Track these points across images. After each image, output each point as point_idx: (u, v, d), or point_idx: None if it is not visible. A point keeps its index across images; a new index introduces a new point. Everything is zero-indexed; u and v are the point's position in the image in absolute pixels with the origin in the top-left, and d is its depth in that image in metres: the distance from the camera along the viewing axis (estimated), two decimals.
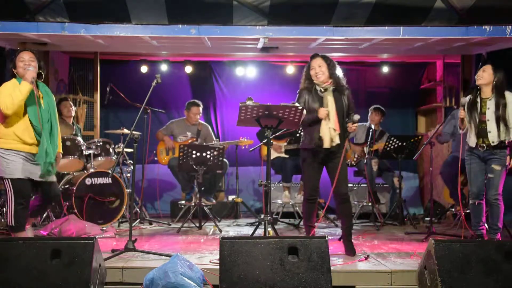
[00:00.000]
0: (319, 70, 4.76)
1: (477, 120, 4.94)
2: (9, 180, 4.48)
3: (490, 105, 4.90)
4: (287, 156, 7.12)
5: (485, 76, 4.91)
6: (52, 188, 4.76)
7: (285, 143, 7.12)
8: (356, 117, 4.69)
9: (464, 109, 4.97)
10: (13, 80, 4.53)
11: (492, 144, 4.88)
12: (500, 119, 4.83)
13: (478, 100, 4.98)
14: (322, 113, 4.69)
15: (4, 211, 6.06)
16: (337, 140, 4.70)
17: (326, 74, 4.76)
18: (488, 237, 5.02)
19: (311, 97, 4.80)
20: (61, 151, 4.92)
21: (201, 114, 7.38)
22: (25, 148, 4.51)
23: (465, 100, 5.01)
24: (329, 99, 4.74)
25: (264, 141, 6.66)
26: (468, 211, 5.97)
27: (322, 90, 4.78)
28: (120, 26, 5.68)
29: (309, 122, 4.78)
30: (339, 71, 4.83)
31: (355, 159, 7.19)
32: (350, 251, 4.79)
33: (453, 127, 6.50)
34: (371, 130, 6.82)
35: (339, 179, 4.75)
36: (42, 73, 4.69)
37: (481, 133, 4.94)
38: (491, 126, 4.87)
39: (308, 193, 4.87)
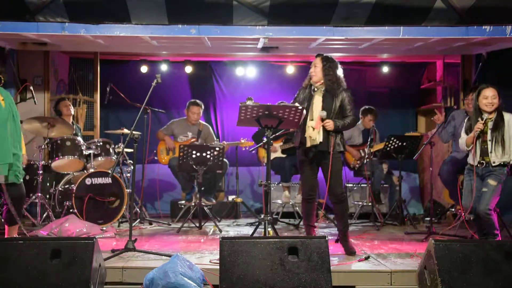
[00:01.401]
0: (313, 70, 4.84)
1: (479, 139, 4.93)
2: None
3: (491, 126, 4.90)
4: (284, 155, 7.12)
5: (495, 102, 4.88)
6: (12, 189, 4.67)
7: (281, 143, 7.12)
8: (322, 113, 4.72)
9: (483, 125, 4.91)
10: None
11: (493, 164, 4.88)
12: (499, 140, 4.84)
13: (480, 119, 4.95)
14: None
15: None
16: (318, 139, 4.71)
17: (318, 76, 4.81)
18: None
19: (304, 95, 4.90)
20: (25, 152, 4.89)
21: (201, 114, 7.37)
22: None
23: (486, 116, 4.95)
24: (316, 99, 4.80)
25: (261, 144, 6.69)
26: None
27: (315, 90, 4.84)
28: (120, 26, 5.68)
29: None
30: (337, 74, 4.82)
31: (358, 162, 7.17)
32: (349, 250, 4.80)
33: (453, 128, 6.50)
34: (371, 130, 6.82)
35: (332, 179, 4.76)
36: (2, 77, 4.69)
37: (483, 152, 4.93)
38: (492, 147, 4.87)
39: (305, 192, 4.91)
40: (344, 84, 4.88)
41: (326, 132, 4.75)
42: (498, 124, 4.86)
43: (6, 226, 4.73)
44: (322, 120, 4.72)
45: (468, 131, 5.01)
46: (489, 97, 4.89)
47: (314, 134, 4.73)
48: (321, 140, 4.72)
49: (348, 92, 4.85)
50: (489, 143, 4.89)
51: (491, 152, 4.87)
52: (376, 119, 7.31)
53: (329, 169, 4.71)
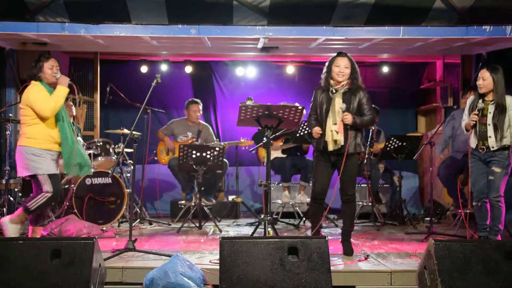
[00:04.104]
0: (344, 70, 4.68)
1: (478, 121, 4.93)
2: (46, 175, 4.68)
3: (491, 109, 4.88)
4: (285, 155, 7.12)
5: (486, 84, 4.87)
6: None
7: (281, 143, 7.12)
8: (342, 105, 4.64)
9: (478, 115, 4.92)
10: (39, 85, 4.73)
11: (492, 149, 4.88)
12: (498, 125, 4.83)
13: (481, 101, 4.95)
14: (314, 133, 4.75)
15: (4, 211, 6.07)
16: (341, 142, 4.65)
17: (346, 77, 4.69)
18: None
19: (322, 97, 4.77)
20: None
21: (201, 112, 7.38)
22: (55, 147, 4.77)
23: (481, 105, 4.95)
24: (337, 101, 4.67)
25: (261, 144, 6.68)
26: (468, 211, 5.98)
27: (334, 91, 4.72)
28: (120, 26, 5.68)
29: (309, 129, 4.80)
30: (359, 73, 4.76)
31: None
32: (348, 251, 4.80)
33: (451, 129, 6.50)
34: (371, 131, 6.81)
35: (345, 178, 4.74)
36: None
37: (482, 135, 4.93)
38: (491, 131, 4.86)
39: (316, 193, 4.82)
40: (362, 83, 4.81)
41: (346, 134, 4.67)
42: (499, 108, 4.83)
43: (30, 227, 4.85)
44: (342, 114, 4.64)
45: (471, 111, 4.99)
46: (480, 78, 4.90)
47: (338, 137, 4.65)
48: (342, 143, 4.66)
49: (365, 91, 4.77)
50: (488, 127, 4.88)
51: (490, 136, 4.86)
52: (378, 118, 7.31)
53: (342, 168, 4.65)
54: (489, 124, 4.87)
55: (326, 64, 4.80)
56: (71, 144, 4.79)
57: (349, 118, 4.62)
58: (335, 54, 4.79)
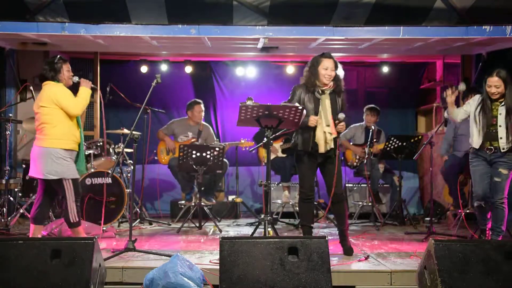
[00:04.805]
0: (331, 73, 4.73)
1: (487, 122, 4.86)
2: (70, 180, 4.68)
3: (502, 111, 4.82)
4: (284, 155, 7.12)
5: (500, 91, 4.82)
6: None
7: (281, 143, 7.12)
8: (341, 115, 4.71)
9: (451, 92, 5.07)
10: (61, 85, 4.76)
11: (502, 150, 4.83)
12: (510, 126, 4.78)
13: (489, 102, 4.89)
14: (312, 121, 4.72)
15: (4, 211, 6.08)
16: (332, 144, 4.73)
17: (332, 79, 4.75)
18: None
19: (307, 96, 4.80)
20: None
21: (203, 113, 7.39)
22: (76, 147, 4.81)
23: (463, 88, 5.15)
24: (327, 103, 4.76)
25: (261, 144, 6.68)
26: (468, 211, 5.98)
27: (320, 92, 4.78)
28: (120, 26, 5.68)
29: (301, 126, 4.79)
30: (341, 74, 4.82)
31: (356, 161, 7.17)
32: (348, 251, 4.81)
33: (453, 129, 6.49)
34: (371, 130, 6.81)
35: (336, 180, 4.76)
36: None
37: (490, 136, 4.87)
38: (502, 132, 4.80)
39: (305, 193, 4.88)
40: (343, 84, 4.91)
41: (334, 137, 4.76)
42: (510, 108, 4.79)
43: (32, 225, 4.83)
44: (339, 122, 4.70)
45: (479, 115, 4.94)
46: (492, 86, 4.84)
47: (331, 140, 4.72)
48: (332, 146, 4.74)
49: (344, 92, 4.89)
50: (499, 128, 4.82)
51: (501, 138, 4.82)
52: (379, 118, 7.31)
53: (335, 170, 4.73)
54: (500, 126, 4.81)
55: (310, 63, 4.83)
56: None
57: (344, 128, 4.78)
58: (334, 54, 4.84)
